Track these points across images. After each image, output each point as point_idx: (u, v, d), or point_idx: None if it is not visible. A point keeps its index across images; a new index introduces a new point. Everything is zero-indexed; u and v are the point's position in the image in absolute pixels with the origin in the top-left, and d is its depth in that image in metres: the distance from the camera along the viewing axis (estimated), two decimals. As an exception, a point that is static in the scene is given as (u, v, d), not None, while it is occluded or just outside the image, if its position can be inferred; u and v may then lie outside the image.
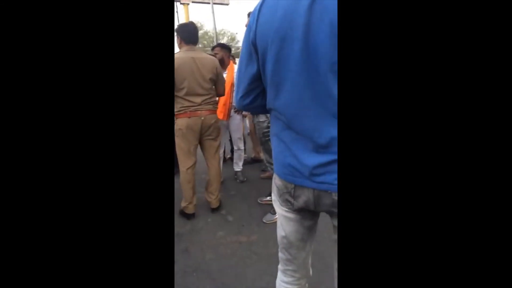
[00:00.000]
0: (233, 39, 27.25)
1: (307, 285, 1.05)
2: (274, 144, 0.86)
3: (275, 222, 2.05)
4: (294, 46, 0.70)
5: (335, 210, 0.79)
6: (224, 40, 25.53)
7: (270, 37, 0.73)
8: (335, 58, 0.66)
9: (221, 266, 1.73)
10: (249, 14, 2.20)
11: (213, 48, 2.87)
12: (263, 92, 0.85)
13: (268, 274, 1.62)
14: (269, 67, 0.75)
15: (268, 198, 2.46)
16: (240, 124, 3.01)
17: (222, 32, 27.80)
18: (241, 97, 0.87)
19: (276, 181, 0.89)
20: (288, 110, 0.76)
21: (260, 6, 0.77)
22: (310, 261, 1.02)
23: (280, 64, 0.73)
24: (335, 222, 0.84)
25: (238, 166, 3.14)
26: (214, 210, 2.40)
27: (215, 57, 2.38)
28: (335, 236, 0.86)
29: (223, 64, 2.70)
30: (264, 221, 2.24)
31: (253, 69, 0.81)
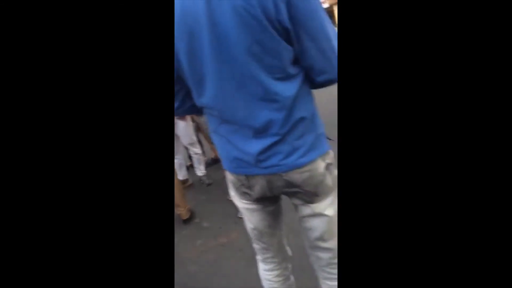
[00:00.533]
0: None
1: (290, 265, 1.06)
2: (215, 141, 0.85)
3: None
4: (202, 40, 0.68)
5: (289, 190, 0.80)
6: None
7: (177, 37, 0.70)
8: (249, 40, 0.66)
9: (209, 274, 1.69)
10: None
11: None
12: (189, 93, 0.81)
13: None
14: (185, 66, 0.73)
15: None
16: (187, 129, 2.89)
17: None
18: None
19: (228, 177, 0.88)
20: (217, 104, 0.74)
21: None
22: (285, 242, 1.02)
23: (194, 60, 0.71)
24: (294, 201, 0.85)
25: (200, 171, 3.07)
26: (187, 221, 2.32)
27: None
28: (299, 214, 0.87)
29: None
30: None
31: (177, 70, 0.78)
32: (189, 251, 1.96)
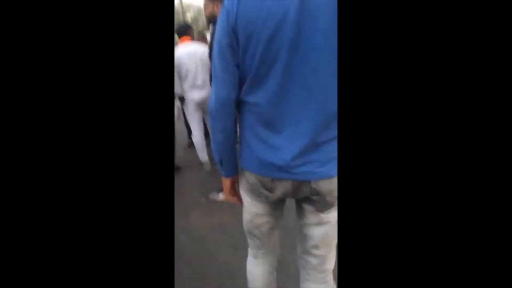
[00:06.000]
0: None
1: (276, 262, 1.11)
2: (246, 138, 0.83)
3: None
4: (285, 34, 0.66)
5: (311, 197, 0.81)
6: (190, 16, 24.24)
7: (258, 27, 0.67)
8: (331, 42, 0.65)
9: (197, 249, 1.78)
10: None
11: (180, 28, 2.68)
12: (235, 85, 0.78)
13: (240, 253, 1.70)
14: (256, 57, 0.70)
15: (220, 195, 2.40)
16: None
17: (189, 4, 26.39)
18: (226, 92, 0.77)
19: (247, 177, 0.86)
20: (271, 103, 0.73)
21: None
22: (279, 241, 1.07)
23: (269, 53, 0.69)
24: (307, 207, 0.86)
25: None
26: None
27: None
28: (305, 221, 0.89)
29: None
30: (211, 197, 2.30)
31: (236, 59, 0.74)
32: (182, 222, 2.06)
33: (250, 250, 1.08)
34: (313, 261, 0.95)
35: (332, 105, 0.72)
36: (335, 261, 0.98)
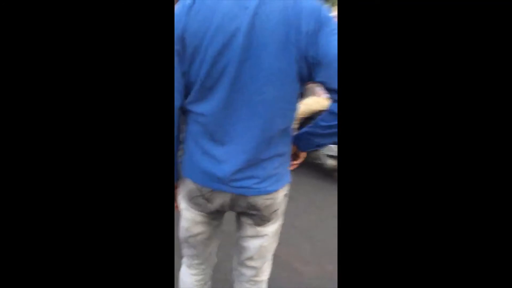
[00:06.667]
0: None
1: (212, 272, 1.10)
2: (189, 147, 0.84)
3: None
4: (234, 51, 0.68)
5: (249, 211, 0.84)
6: None
7: (207, 40, 0.68)
8: (280, 65, 0.68)
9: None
10: None
11: None
12: (181, 92, 0.77)
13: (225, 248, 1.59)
14: (202, 70, 0.71)
15: None
16: None
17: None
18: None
19: (188, 185, 0.87)
20: (216, 115, 0.74)
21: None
22: (215, 251, 1.05)
23: (216, 67, 0.70)
24: (245, 220, 0.89)
25: None
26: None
27: None
28: (242, 233, 0.92)
29: None
30: None
31: (183, 67, 0.74)
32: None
33: (184, 259, 1.02)
34: (248, 272, 0.97)
35: (276, 123, 0.75)
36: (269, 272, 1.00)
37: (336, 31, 0.68)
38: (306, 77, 0.73)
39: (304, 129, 0.85)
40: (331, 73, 0.68)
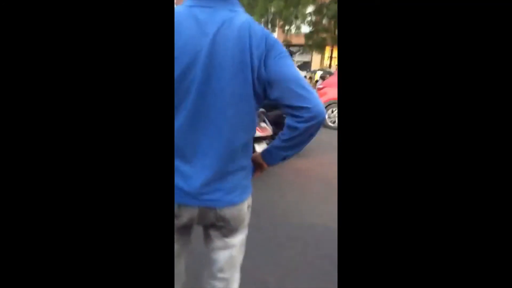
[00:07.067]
0: None
1: None
2: None
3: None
4: (196, 73, 0.73)
5: (217, 223, 0.88)
6: None
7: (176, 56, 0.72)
8: (238, 86, 0.74)
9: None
10: None
11: None
12: None
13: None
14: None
15: None
16: None
17: None
18: None
19: None
20: (180, 132, 0.78)
21: None
22: (184, 268, 1.04)
23: (181, 87, 0.75)
24: (213, 233, 0.92)
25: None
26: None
27: None
28: (211, 246, 0.93)
29: None
30: None
31: None
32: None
33: None
34: (219, 285, 0.98)
35: (237, 140, 0.81)
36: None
37: (283, 54, 0.77)
38: (262, 95, 0.81)
39: (271, 144, 0.92)
40: (282, 92, 0.77)
